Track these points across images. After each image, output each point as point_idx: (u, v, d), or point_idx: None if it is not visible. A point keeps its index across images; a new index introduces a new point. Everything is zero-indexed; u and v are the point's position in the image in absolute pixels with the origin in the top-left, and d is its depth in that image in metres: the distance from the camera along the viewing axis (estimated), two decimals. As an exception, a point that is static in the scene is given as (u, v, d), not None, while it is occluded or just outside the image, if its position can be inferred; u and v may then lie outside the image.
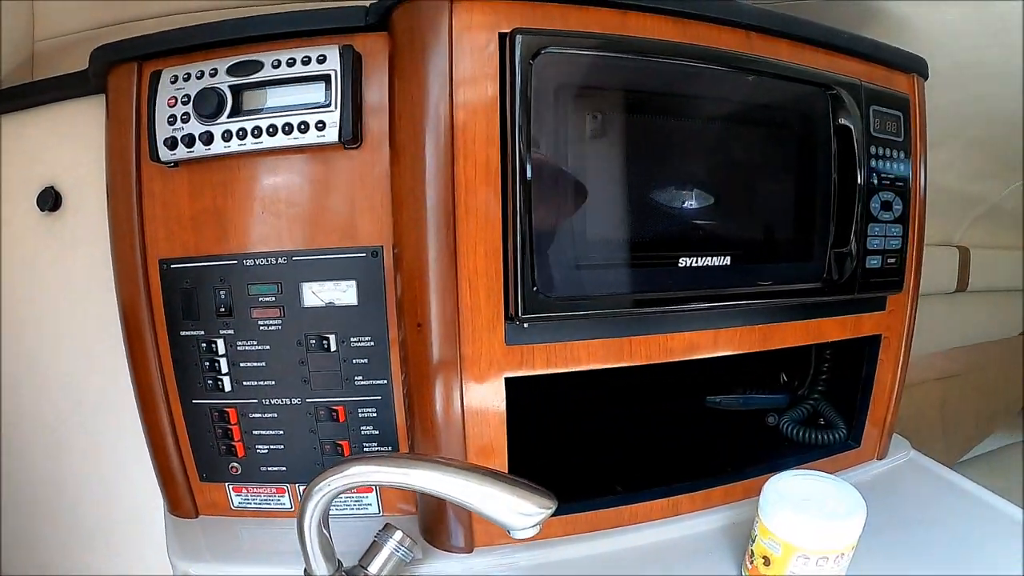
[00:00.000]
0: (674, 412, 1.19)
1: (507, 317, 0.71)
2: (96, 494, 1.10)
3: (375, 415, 0.81)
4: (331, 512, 0.63)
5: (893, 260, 0.92)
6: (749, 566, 0.74)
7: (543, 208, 0.68)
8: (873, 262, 0.88)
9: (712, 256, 0.77)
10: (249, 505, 0.87)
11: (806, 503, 0.70)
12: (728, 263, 0.77)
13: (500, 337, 0.72)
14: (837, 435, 1.08)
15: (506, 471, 0.75)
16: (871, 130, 0.85)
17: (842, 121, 0.81)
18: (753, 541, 0.73)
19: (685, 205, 0.76)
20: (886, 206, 0.88)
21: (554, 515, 0.57)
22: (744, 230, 0.81)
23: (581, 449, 1.08)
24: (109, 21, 1.10)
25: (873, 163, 0.86)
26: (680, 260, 0.75)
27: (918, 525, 0.89)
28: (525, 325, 0.71)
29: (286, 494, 0.85)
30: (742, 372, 1.21)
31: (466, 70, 0.67)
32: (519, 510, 0.55)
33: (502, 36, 0.66)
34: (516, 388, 0.75)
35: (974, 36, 1.23)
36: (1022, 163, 1.93)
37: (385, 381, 0.80)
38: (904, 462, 1.10)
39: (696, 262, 0.76)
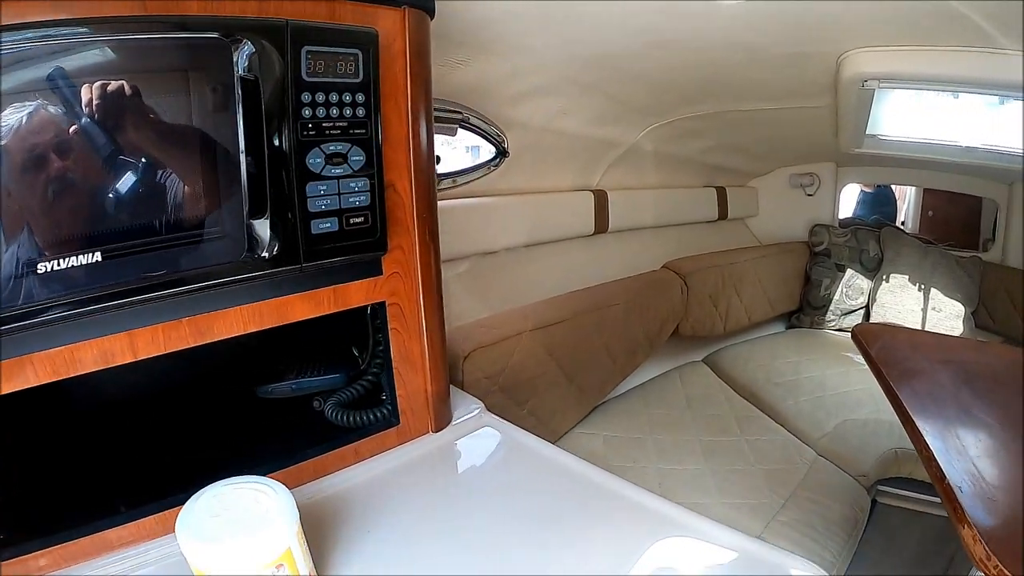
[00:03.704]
0: (218, 409, 1.12)
1: None
2: None
3: None
4: None
5: (360, 219, 0.90)
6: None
7: None
8: (324, 225, 0.86)
9: (78, 255, 0.69)
10: None
11: (225, 525, 0.66)
12: (100, 259, 0.70)
13: None
14: (378, 414, 1.09)
15: None
16: (303, 75, 0.81)
17: (245, 71, 0.75)
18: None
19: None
20: (336, 159, 0.86)
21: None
22: (129, 218, 0.72)
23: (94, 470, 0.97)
24: None
25: (309, 112, 0.82)
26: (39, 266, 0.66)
27: (480, 494, 0.96)
28: None
29: None
30: (309, 352, 1.18)
31: None
32: None
33: None
34: None
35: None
36: (648, 108, 2.17)
37: None
38: (468, 430, 1.16)
39: (57, 265, 0.67)
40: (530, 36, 1.52)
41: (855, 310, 3.35)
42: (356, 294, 0.97)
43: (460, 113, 1.77)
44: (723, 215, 3.20)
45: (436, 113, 1.71)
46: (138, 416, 1.05)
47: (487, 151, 1.94)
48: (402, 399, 1.08)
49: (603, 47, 1.63)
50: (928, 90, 2.13)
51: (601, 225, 2.36)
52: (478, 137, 1.87)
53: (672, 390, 2.49)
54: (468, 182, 1.91)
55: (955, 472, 1.18)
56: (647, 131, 2.31)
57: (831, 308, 3.33)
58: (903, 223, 4.37)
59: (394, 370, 1.05)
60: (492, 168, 1.95)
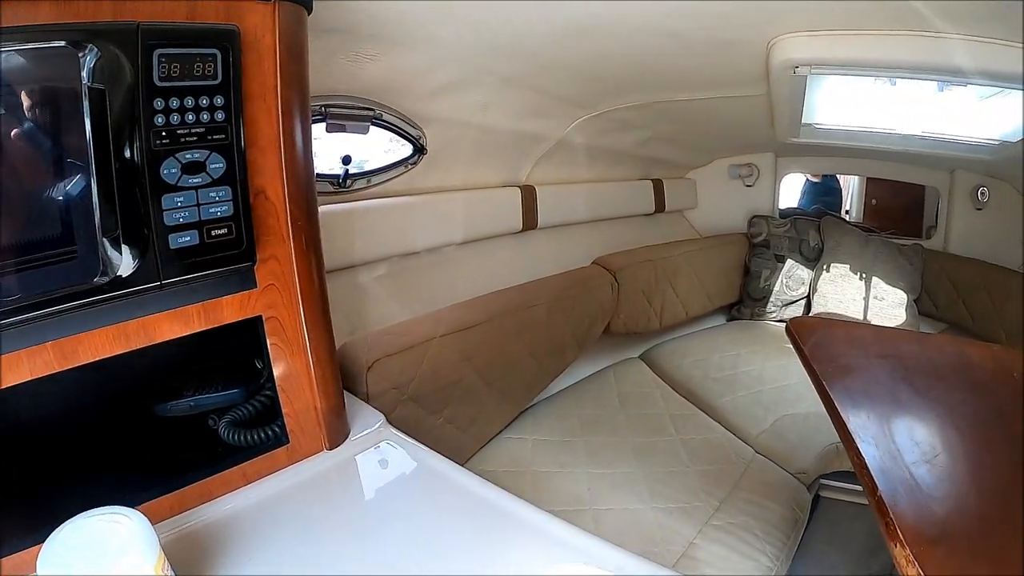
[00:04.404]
0: (114, 431, 1.07)
1: None
2: None
3: None
4: None
5: (223, 230, 0.87)
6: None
7: None
8: (183, 239, 0.83)
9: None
10: None
11: (81, 559, 0.65)
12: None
13: None
14: (267, 433, 1.06)
15: None
16: (156, 80, 0.77)
17: (91, 80, 0.71)
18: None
19: None
20: (194, 168, 0.83)
21: None
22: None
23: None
24: None
25: (163, 119, 0.78)
26: None
27: (371, 515, 0.96)
28: None
29: None
30: (211, 367, 1.13)
31: None
32: None
33: None
34: None
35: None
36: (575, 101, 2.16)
37: None
38: (365, 447, 1.14)
39: None
40: (440, 27, 1.49)
41: (796, 301, 3.40)
42: (229, 309, 0.94)
43: (372, 110, 1.74)
44: (660, 208, 3.22)
45: (346, 111, 1.69)
46: (35, 441, 1.00)
47: (405, 149, 1.91)
48: (290, 417, 1.05)
49: (519, 36, 1.61)
50: (862, 76, 2.09)
51: (530, 222, 2.34)
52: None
53: (605, 389, 2.48)
54: (385, 181, 1.88)
55: (888, 482, 1.14)
56: (576, 124, 2.30)
57: (771, 299, 3.37)
58: (847, 212, 4.46)
59: (278, 387, 1.03)
60: (410, 166, 1.92)
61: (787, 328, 1.89)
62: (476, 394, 1.69)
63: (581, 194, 2.67)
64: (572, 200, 2.63)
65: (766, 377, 2.68)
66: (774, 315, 3.41)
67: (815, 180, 4.33)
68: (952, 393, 1.55)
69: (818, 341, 1.83)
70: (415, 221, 1.95)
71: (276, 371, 1.02)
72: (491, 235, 2.25)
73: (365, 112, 1.73)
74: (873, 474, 1.16)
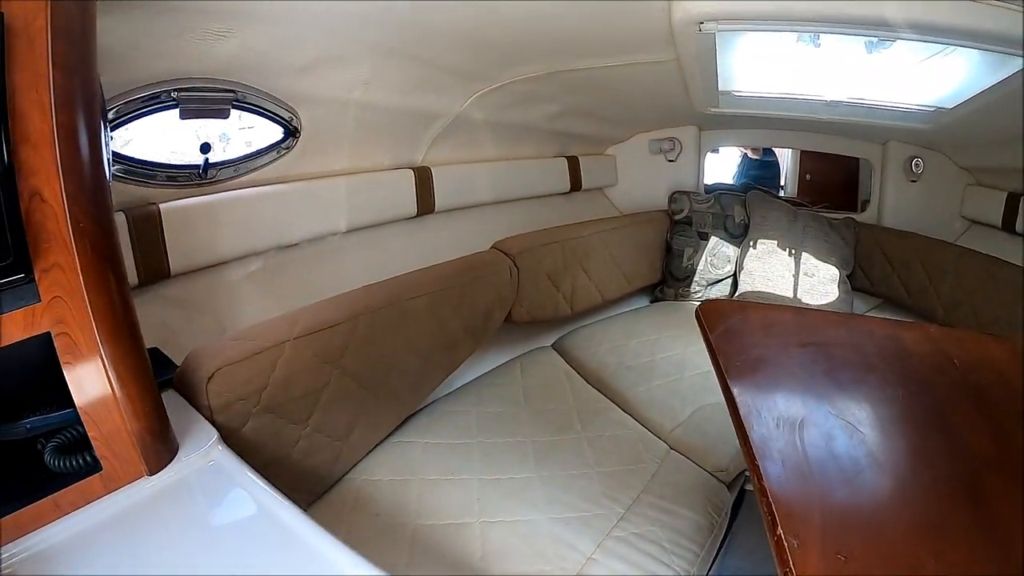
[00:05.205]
0: None
1: None
2: None
3: None
4: None
5: None
6: None
7: None
8: None
9: None
10: None
11: None
12: None
13: None
14: (79, 460, 0.99)
15: None
16: None
17: None
18: None
19: None
20: None
21: None
22: None
23: None
24: None
25: None
26: None
27: (184, 546, 0.92)
28: None
29: None
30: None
31: None
32: None
33: None
34: None
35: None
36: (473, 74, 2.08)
37: None
38: (192, 469, 1.07)
39: None
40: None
41: (722, 279, 3.38)
42: (11, 327, 0.86)
43: (232, 92, 1.64)
44: (577, 186, 3.17)
45: (201, 95, 1.59)
46: None
47: (274, 132, 1.81)
48: (98, 441, 0.98)
49: (394, 4, 1.54)
50: (776, 31, 2.02)
51: (426, 206, 2.27)
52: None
53: (510, 383, 2.34)
54: (255, 169, 1.79)
55: (795, 511, 0.98)
56: (474, 98, 2.23)
57: (695, 279, 3.34)
58: (783, 188, 4.49)
59: (79, 410, 0.95)
60: (283, 151, 1.83)
61: (696, 313, 1.78)
62: (350, 399, 1.60)
63: (486, 174, 2.59)
64: (476, 181, 2.55)
65: (687, 363, 2.59)
66: (699, 295, 3.38)
67: (755, 157, 4.34)
68: (883, 389, 1.41)
69: (729, 328, 1.70)
70: (293, 210, 1.86)
71: (75, 393, 0.94)
72: (382, 222, 2.18)
73: (224, 95, 1.63)
74: (775, 500, 1.00)
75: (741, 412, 1.26)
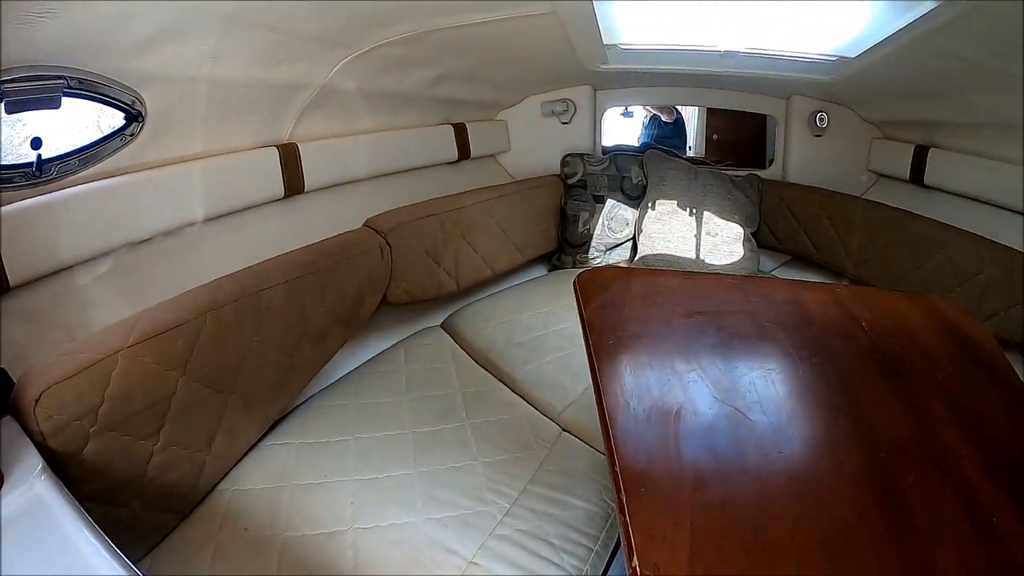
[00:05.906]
0: None
1: None
2: None
3: None
4: None
5: None
6: None
7: None
8: None
9: None
10: None
11: None
12: None
13: None
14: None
15: None
16: None
17: None
18: None
19: None
20: None
21: None
22: None
23: None
24: None
25: None
26: None
27: None
28: None
29: None
30: None
31: None
32: None
33: None
34: None
35: None
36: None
37: None
38: (15, 502, 1.00)
39: None
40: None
41: (621, 243, 3.39)
42: None
43: (62, 78, 1.52)
44: (465, 155, 3.10)
45: (26, 84, 1.47)
46: None
47: (115, 119, 1.70)
48: None
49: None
50: None
51: (295, 186, 2.18)
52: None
53: (394, 370, 2.24)
54: (98, 161, 1.67)
55: (659, 532, 0.88)
56: (340, 66, 2.12)
57: (593, 244, 3.34)
58: (690, 148, 4.53)
59: None
60: (127, 139, 1.71)
61: (573, 284, 1.67)
62: (205, 405, 1.51)
63: (362, 147, 2.50)
64: (350, 155, 2.45)
65: (579, 334, 2.45)
66: (598, 260, 3.37)
67: (668, 120, 4.34)
68: (780, 364, 1.29)
69: (608, 300, 1.59)
70: (142, 202, 1.75)
71: None
72: (245, 206, 2.07)
73: (52, 83, 1.51)
74: (631, 519, 0.87)
75: (606, 404, 1.13)
